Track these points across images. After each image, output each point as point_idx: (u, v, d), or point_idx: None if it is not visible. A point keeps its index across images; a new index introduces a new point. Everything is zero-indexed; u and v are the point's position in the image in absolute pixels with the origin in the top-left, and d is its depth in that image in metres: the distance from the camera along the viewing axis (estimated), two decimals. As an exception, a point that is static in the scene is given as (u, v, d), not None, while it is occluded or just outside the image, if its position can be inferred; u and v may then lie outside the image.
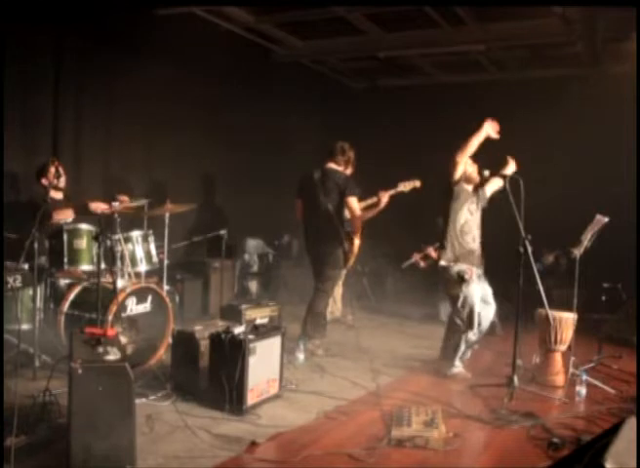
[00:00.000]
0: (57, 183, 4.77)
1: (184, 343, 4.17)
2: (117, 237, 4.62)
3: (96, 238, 3.98)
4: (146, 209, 5.22)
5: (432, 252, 6.66)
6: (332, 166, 5.16)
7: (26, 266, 4.16)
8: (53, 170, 4.70)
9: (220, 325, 4.27)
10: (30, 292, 4.32)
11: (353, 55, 8.00)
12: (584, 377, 4.32)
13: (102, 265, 4.07)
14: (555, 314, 4.57)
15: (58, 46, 5.55)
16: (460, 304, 4.63)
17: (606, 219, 4.74)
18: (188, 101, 6.60)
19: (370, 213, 5.26)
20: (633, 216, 6.06)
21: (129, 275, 4.72)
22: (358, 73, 9.17)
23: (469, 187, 4.74)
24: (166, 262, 5.40)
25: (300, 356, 4.98)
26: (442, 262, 4.69)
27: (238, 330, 3.88)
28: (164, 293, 4.84)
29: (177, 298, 5.67)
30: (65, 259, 4.47)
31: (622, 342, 5.74)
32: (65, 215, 4.81)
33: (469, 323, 4.62)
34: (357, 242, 5.16)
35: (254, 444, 3.28)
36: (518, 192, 4.17)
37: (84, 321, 4.27)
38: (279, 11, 6.44)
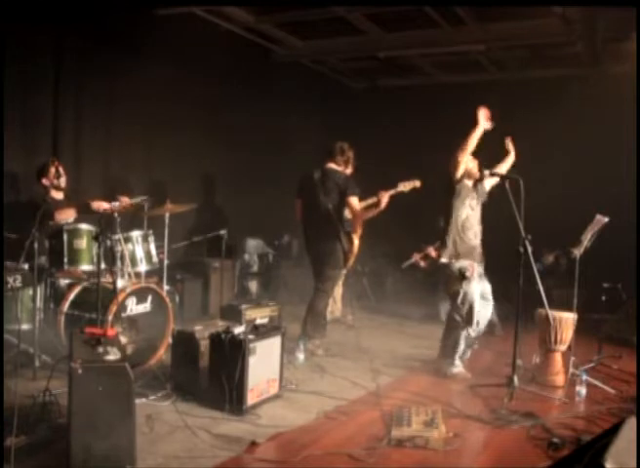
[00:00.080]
0: (57, 183, 4.78)
1: (184, 343, 4.17)
2: (117, 237, 4.62)
3: (96, 238, 3.98)
4: (146, 209, 5.22)
5: (432, 251, 6.67)
6: (331, 166, 5.16)
7: (26, 266, 4.16)
8: (53, 170, 4.70)
9: (220, 325, 4.27)
10: (30, 292, 4.32)
11: (353, 55, 8.00)
12: (584, 377, 4.32)
13: (102, 265, 4.07)
14: (555, 314, 4.57)
15: (58, 46, 5.55)
16: (459, 301, 4.64)
17: (606, 219, 4.75)
18: (188, 101, 6.60)
19: (370, 213, 5.26)
20: (633, 216, 6.06)
21: (129, 275, 4.72)
22: (358, 73, 9.17)
23: (470, 183, 4.76)
24: (166, 262, 5.40)
25: (300, 356, 4.98)
26: (443, 259, 4.70)
27: (238, 330, 3.88)
28: (164, 293, 4.84)
29: (177, 298, 5.66)
30: (65, 259, 4.47)
31: (622, 342, 5.73)
32: (67, 215, 4.81)
33: (469, 320, 4.63)
34: (357, 242, 5.16)
35: (254, 444, 3.28)
36: (518, 192, 4.17)
37: (84, 321, 4.26)
38: (279, 11, 6.44)
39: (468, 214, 4.71)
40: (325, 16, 6.46)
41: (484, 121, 4.50)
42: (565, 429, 3.66)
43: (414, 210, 6.90)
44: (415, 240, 6.99)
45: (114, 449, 2.80)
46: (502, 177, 4.52)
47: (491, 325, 5.79)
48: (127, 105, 6.21)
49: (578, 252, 4.76)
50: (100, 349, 3.03)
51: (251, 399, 3.77)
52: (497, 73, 8.41)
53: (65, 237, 4.47)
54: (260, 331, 3.97)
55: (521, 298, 4.19)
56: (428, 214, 6.22)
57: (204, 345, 4.05)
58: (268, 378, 3.95)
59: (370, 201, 5.42)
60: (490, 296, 4.79)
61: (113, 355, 2.98)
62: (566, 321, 4.59)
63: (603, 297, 5.42)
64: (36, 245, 4.08)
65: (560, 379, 4.56)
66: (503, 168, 4.97)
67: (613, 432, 2.13)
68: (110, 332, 3.26)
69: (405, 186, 5.41)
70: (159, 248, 5.24)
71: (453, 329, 4.73)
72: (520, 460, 3.29)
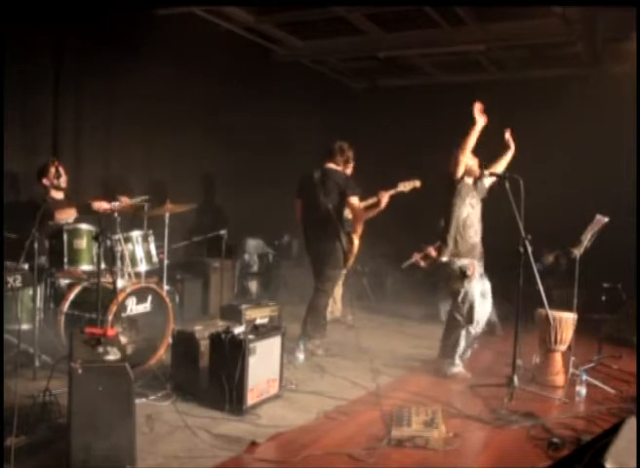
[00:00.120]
0: (57, 183, 4.78)
1: (184, 343, 4.17)
2: (117, 237, 4.62)
3: (96, 238, 3.98)
4: (146, 209, 5.22)
5: (432, 251, 6.66)
6: (331, 166, 5.16)
7: (26, 266, 4.16)
8: (53, 170, 4.71)
9: (220, 325, 4.27)
10: (30, 292, 4.32)
11: (353, 55, 8.00)
12: (584, 377, 4.32)
13: (102, 265, 4.07)
14: (555, 314, 4.57)
15: (58, 46, 5.55)
16: (460, 299, 4.65)
17: (606, 219, 4.75)
18: (188, 101, 6.60)
19: (370, 213, 5.26)
20: (633, 216, 6.06)
21: (129, 275, 4.72)
22: (358, 73, 9.17)
23: (470, 181, 4.77)
24: (166, 262, 5.40)
25: (300, 356, 4.98)
26: (444, 258, 4.71)
27: (238, 330, 3.88)
28: (164, 293, 4.84)
29: (177, 298, 5.66)
30: (65, 259, 4.47)
31: (622, 342, 5.73)
32: (68, 215, 4.82)
33: (469, 318, 4.63)
34: (357, 242, 5.16)
35: (254, 444, 3.28)
36: (518, 192, 4.17)
37: (84, 321, 4.26)
38: (279, 11, 6.44)
39: (469, 212, 4.72)
40: (325, 16, 6.46)
41: (478, 116, 4.50)
42: (565, 429, 3.66)
43: (414, 210, 6.90)
44: (415, 240, 6.98)
45: (114, 449, 2.80)
46: (502, 178, 4.52)
47: (491, 325, 5.80)
48: (127, 105, 6.21)
49: (578, 252, 4.76)
50: (100, 349, 3.03)
51: (251, 399, 3.77)
52: (497, 73, 8.41)
53: (65, 237, 4.47)
54: (260, 331, 3.97)
55: (521, 298, 4.19)
56: (428, 214, 6.21)
57: (204, 345, 4.05)
58: (268, 378, 3.95)
59: (370, 201, 5.42)
60: (489, 295, 4.79)
61: (113, 355, 2.98)
62: (566, 321, 4.59)
63: (603, 297, 5.42)
64: (36, 245, 4.09)
65: (560, 379, 4.56)
66: (503, 163, 4.96)
67: (613, 432, 2.13)
68: (110, 332, 3.26)
69: (405, 186, 5.41)
70: (159, 248, 5.24)
71: (453, 328, 4.73)
72: (520, 460, 3.29)
